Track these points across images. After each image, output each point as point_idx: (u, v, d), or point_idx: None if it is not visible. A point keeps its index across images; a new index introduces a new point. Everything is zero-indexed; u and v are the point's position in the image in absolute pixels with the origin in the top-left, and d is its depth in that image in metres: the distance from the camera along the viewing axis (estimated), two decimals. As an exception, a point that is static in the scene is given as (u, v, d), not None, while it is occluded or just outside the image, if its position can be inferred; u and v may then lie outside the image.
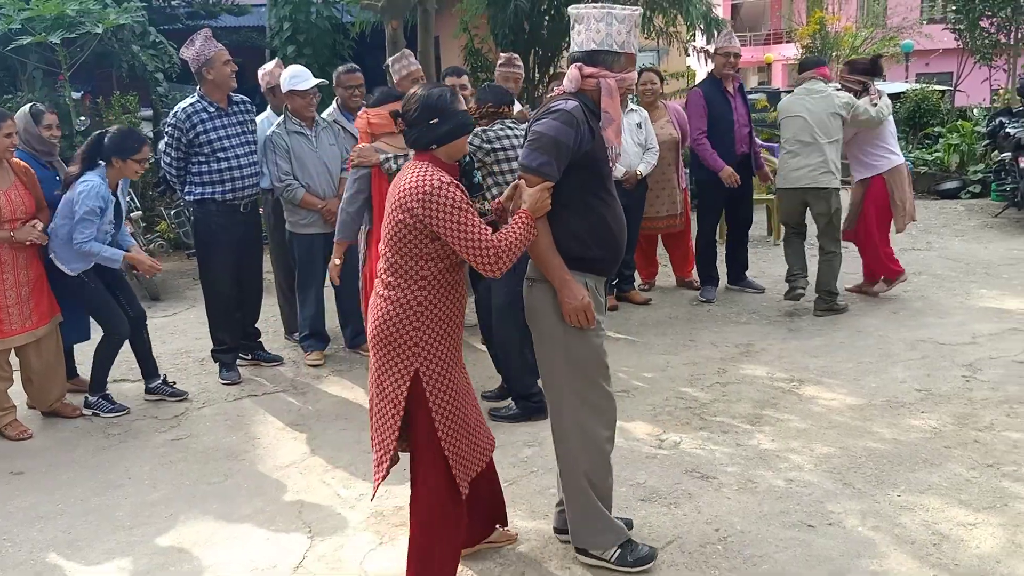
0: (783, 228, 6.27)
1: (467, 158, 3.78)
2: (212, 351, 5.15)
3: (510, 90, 5.76)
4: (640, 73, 6.40)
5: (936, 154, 10.87)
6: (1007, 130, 8.56)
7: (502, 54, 5.92)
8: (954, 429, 3.92)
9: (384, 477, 2.76)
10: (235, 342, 5.17)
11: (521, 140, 4.03)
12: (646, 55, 15.05)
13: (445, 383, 2.68)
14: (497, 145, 4.19)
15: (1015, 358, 4.79)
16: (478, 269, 2.57)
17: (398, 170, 3.99)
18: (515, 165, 4.19)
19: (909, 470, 3.54)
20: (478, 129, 4.21)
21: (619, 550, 2.89)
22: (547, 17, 10.10)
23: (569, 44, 8.87)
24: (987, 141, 9.33)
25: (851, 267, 7.09)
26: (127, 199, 4.71)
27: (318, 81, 5.07)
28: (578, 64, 2.74)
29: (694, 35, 10.84)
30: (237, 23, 13.92)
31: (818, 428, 4.02)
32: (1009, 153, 8.47)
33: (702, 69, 15.21)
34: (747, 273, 6.64)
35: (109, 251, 4.37)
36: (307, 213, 5.12)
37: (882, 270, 6.19)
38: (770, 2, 34.20)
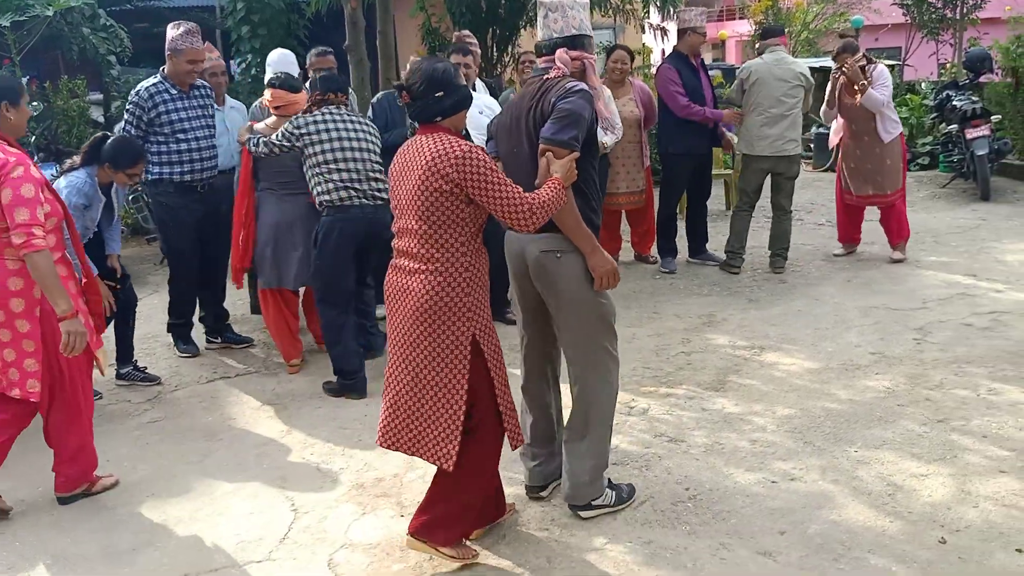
0: (739, 197, 6.44)
1: (464, 131, 3.89)
2: (169, 324, 5.21)
3: (465, 67, 5.81)
4: (612, 50, 6.50)
5: (886, 127, 11.13)
6: (954, 103, 8.80)
7: (455, 33, 5.98)
8: (906, 388, 4.12)
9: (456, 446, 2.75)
10: (191, 317, 5.26)
11: (343, 123, 4.37)
12: (603, 32, 15.13)
13: (496, 344, 2.84)
14: (305, 131, 4.33)
15: (962, 321, 5.02)
16: (513, 225, 2.70)
17: (258, 155, 4.52)
18: (337, 147, 4.32)
19: (865, 427, 3.72)
20: (293, 116, 4.44)
21: (612, 493, 3.16)
22: (504, -4, 10.11)
23: (527, 23, 8.86)
24: (935, 114, 9.59)
25: (806, 237, 7.32)
26: (120, 199, 4.71)
27: (270, 77, 5.02)
28: (564, 49, 2.93)
29: (648, 12, 10.94)
30: (186, 4, 13.66)
31: (779, 391, 4.19)
32: (956, 125, 8.73)
33: (658, 46, 15.35)
34: (707, 246, 6.82)
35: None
36: None
37: (906, 229, 6.43)
38: (723, -22, 34.42)
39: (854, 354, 4.62)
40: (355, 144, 4.39)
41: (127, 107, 4.85)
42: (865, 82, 6.03)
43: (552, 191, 2.72)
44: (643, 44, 15.18)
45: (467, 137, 4.37)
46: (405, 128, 5.12)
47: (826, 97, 6.39)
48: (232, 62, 11.75)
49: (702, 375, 4.47)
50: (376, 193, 4.42)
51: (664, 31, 11.65)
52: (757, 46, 6.34)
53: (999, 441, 3.52)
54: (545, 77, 2.94)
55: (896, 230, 6.45)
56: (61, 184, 4.27)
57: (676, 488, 3.30)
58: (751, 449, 3.60)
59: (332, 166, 4.33)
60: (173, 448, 3.97)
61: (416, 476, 3.54)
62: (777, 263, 6.37)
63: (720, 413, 3.98)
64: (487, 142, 3.26)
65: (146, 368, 4.91)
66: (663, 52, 18.58)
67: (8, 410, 3.33)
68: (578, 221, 2.87)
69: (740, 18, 27.29)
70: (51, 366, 3.32)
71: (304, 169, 4.44)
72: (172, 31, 4.82)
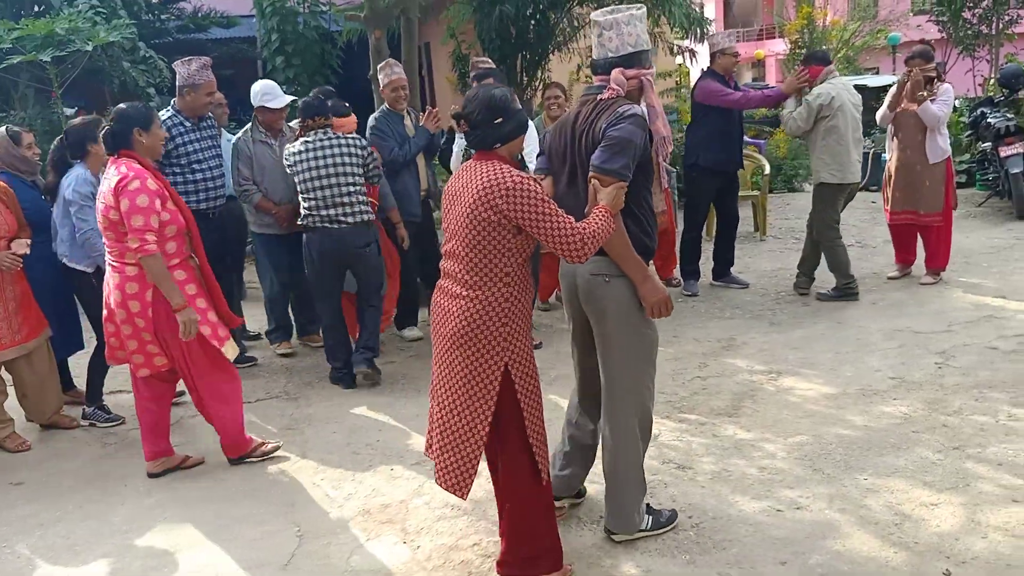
0: (826, 228, 6.08)
1: (519, 155, 3.94)
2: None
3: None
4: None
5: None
6: (988, 120, 8.64)
7: (472, 60, 6.10)
8: (924, 414, 4.03)
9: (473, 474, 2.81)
10: None
11: (317, 151, 4.78)
12: (634, 55, 15.12)
13: (531, 375, 2.82)
14: (289, 161, 4.87)
15: (988, 344, 4.90)
16: (564, 256, 2.68)
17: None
18: (309, 176, 4.77)
19: (877, 455, 3.66)
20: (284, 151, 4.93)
21: (650, 517, 3.15)
22: (533, 21, 10.21)
23: (556, 47, 8.96)
24: (970, 132, 9.42)
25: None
26: None
27: (289, 99, 5.38)
28: (620, 68, 2.89)
29: (684, 35, 10.88)
30: (227, 35, 14.03)
31: (793, 417, 4.13)
32: (990, 143, 8.57)
33: (695, 68, 15.34)
34: (732, 269, 6.76)
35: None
36: (266, 215, 5.46)
37: (947, 254, 6.31)
38: (761, -2, 34.31)
39: (873, 379, 4.54)
40: (324, 172, 4.79)
41: None
42: (924, 93, 5.93)
43: (600, 221, 2.71)
44: (679, 65, 15.14)
45: (521, 161, 4.49)
46: (420, 139, 5.49)
47: (887, 99, 6.24)
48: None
49: (716, 400, 4.42)
50: (340, 217, 4.82)
51: (693, 53, 11.63)
52: (813, 72, 6.00)
53: (1015, 469, 3.43)
54: (599, 98, 2.90)
55: (932, 255, 6.32)
56: (64, 187, 4.43)
57: (680, 516, 3.27)
58: (759, 476, 3.55)
59: (304, 195, 4.85)
60: (188, 474, 4.04)
61: (422, 503, 3.57)
62: (802, 283, 6.29)
63: (731, 439, 3.94)
64: (538, 156, 3.28)
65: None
66: (700, 72, 18.54)
67: (150, 390, 3.95)
68: (627, 248, 2.85)
69: (780, 36, 27.14)
70: (169, 357, 3.86)
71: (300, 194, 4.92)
72: (185, 68, 4.94)
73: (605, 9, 2.96)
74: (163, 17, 12.88)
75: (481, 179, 2.66)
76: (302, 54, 11.32)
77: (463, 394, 2.75)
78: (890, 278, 6.49)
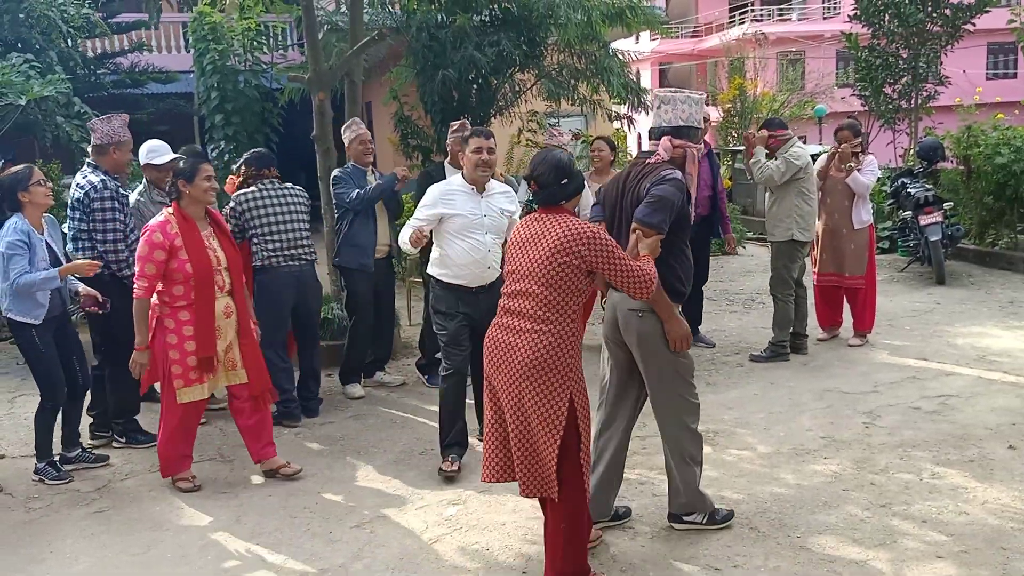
0: (784, 286, 6.28)
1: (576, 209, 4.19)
2: (123, 424, 5.14)
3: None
4: (593, 140, 6.72)
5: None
6: (908, 190, 9.09)
7: (454, 122, 6.18)
8: (852, 473, 4.16)
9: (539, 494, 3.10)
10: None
11: (275, 197, 5.22)
12: (573, 120, 15.54)
13: (586, 405, 3.15)
14: (244, 207, 5.16)
15: (911, 404, 5.10)
16: (632, 294, 3.13)
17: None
18: (272, 220, 5.16)
19: (809, 512, 3.75)
20: (233, 196, 5.19)
21: (706, 516, 3.59)
22: (475, 86, 10.43)
23: (497, 112, 9.19)
24: (892, 200, 9.87)
25: (768, 320, 7.42)
26: (60, 246, 4.66)
27: (174, 156, 5.24)
28: (668, 137, 3.43)
29: (623, 102, 11.20)
30: (163, 90, 13.94)
31: (729, 476, 4.22)
32: (911, 212, 9.00)
33: (631, 134, 15.80)
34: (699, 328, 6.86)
35: (41, 274, 4.32)
36: None
37: (872, 316, 6.55)
38: (695, 67, 35.66)
39: (805, 438, 4.67)
40: (285, 216, 5.23)
41: (104, 215, 4.77)
42: (853, 164, 6.30)
43: (651, 266, 3.16)
44: (616, 130, 15.57)
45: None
46: (385, 184, 5.67)
47: (817, 170, 6.45)
48: (207, 148, 11.98)
49: (656, 459, 4.47)
50: (303, 256, 5.29)
51: (631, 119, 11.98)
52: (772, 137, 6.26)
53: (938, 526, 3.56)
54: (647, 161, 3.43)
55: (858, 318, 6.56)
56: None
57: (620, 576, 3.30)
58: (697, 535, 3.60)
59: (268, 236, 5.18)
60: (118, 539, 3.91)
61: (362, 566, 3.52)
62: (803, 345, 6.39)
63: (670, 499, 3.99)
64: (593, 206, 3.73)
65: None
66: (639, 137, 19.10)
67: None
68: (660, 292, 3.26)
69: (712, 104, 28.20)
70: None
71: (253, 242, 5.21)
72: (106, 125, 4.83)
73: (668, 88, 3.39)
74: (99, 72, 12.76)
75: (559, 229, 3.04)
76: (242, 112, 11.28)
77: (537, 419, 3.03)
78: (819, 340, 6.70)
